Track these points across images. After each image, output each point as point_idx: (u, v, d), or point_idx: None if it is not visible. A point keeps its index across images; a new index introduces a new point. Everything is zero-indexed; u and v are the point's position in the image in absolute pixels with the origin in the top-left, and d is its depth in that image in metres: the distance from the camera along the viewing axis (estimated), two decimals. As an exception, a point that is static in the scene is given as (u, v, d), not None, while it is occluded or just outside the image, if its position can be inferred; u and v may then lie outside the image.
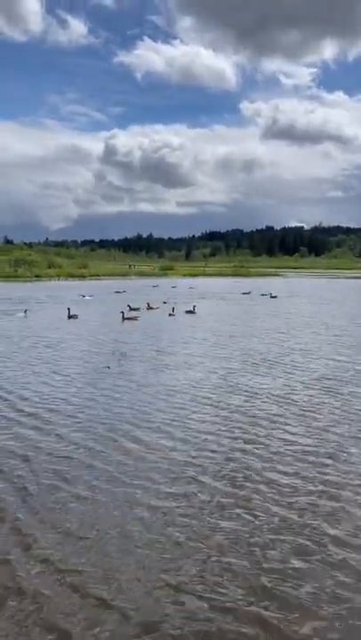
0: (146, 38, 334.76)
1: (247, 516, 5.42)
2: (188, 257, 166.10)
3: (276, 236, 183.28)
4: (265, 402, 9.85)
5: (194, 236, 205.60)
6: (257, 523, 5.30)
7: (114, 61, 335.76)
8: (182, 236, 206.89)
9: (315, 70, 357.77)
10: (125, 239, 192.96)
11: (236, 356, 14.41)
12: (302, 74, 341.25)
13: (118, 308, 24.28)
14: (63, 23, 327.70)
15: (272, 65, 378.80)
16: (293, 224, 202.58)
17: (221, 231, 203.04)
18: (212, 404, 9.63)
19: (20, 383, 11.12)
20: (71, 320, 22.27)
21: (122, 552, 4.77)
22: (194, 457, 7.03)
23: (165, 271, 78.72)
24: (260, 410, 9.31)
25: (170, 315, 24.38)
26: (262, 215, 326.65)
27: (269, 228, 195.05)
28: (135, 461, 6.86)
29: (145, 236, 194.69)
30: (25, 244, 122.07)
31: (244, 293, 40.61)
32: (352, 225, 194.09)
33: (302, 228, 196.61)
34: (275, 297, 36.75)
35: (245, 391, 10.64)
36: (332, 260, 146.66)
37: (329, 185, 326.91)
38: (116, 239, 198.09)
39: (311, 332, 19.55)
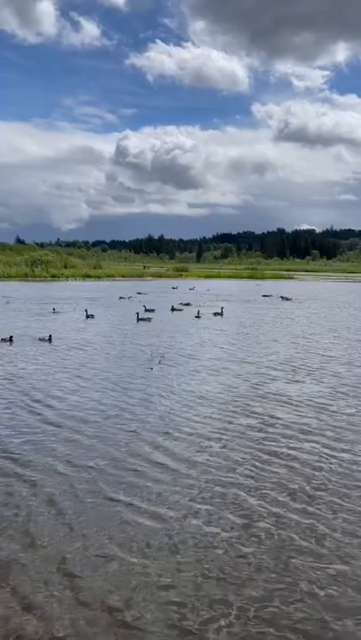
0: (158, 41, 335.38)
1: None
2: (199, 258, 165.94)
3: (288, 238, 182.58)
4: (309, 412, 9.67)
5: (205, 237, 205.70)
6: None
7: (126, 63, 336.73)
8: (193, 237, 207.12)
9: (327, 73, 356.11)
10: (137, 240, 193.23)
11: (272, 361, 14.27)
12: (315, 76, 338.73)
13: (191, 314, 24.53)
14: (76, 25, 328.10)
15: (284, 67, 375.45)
16: (304, 227, 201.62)
17: (233, 233, 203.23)
18: (253, 415, 9.45)
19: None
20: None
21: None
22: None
23: (180, 272, 78.57)
24: (310, 427, 9.01)
25: (196, 317, 24.30)
26: (273, 217, 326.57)
27: (281, 231, 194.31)
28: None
29: (156, 237, 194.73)
30: (37, 244, 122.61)
31: (264, 296, 40.45)
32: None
33: (314, 230, 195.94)
34: (289, 299, 37.06)
35: (287, 402, 10.47)
36: (344, 263, 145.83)
37: (340, 188, 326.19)
38: (127, 240, 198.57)
39: (335, 335, 19.35)
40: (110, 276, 66.67)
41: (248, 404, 9.89)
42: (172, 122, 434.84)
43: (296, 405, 9.88)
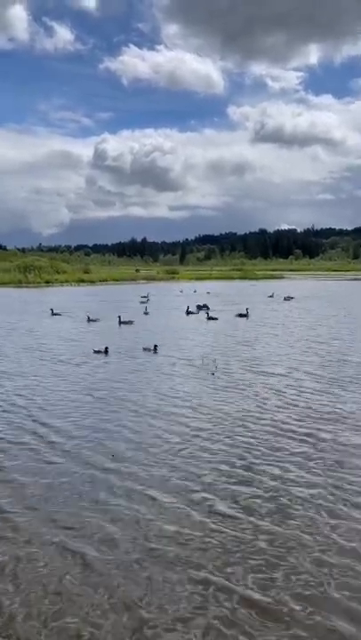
0: (131, 45, 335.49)
1: None
2: (182, 261, 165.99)
3: (270, 238, 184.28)
4: None
5: (187, 239, 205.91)
6: None
7: (100, 67, 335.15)
8: (175, 239, 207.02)
9: (301, 74, 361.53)
10: (119, 243, 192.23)
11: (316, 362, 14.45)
12: (289, 77, 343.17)
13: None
14: (49, 30, 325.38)
15: (259, 69, 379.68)
16: (285, 226, 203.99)
17: (215, 234, 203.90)
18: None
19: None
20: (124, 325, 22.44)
21: None
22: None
23: (172, 275, 78.49)
24: None
25: (209, 318, 24.48)
26: (254, 218, 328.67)
27: (262, 231, 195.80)
28: None
29: (138, 240, 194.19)
30: (18, 249, 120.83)
31: (269, 297, 40.80)
32: (343, 227, 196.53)
33: (295, 230, 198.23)
34: (292, 298, 37.62)
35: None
36: (327, 261, 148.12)
37: (318, 187, 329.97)
38: (109, 244, 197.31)
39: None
40: (103, 280, 66.27)
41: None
42: (150, 125, 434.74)
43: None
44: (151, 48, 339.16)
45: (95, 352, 15.66)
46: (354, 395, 10.65)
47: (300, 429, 8.44)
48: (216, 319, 24.48)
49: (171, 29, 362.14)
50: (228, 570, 4.66)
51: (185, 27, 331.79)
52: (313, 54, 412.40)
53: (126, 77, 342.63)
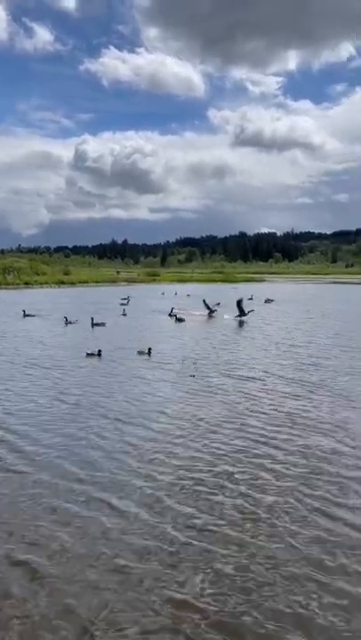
0: (112, 47, 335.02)
1: None
2: (163, 263, 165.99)
3: (250, 241, 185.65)
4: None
5: (168, 242, 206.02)
6: None
7: (80, 69, 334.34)
8: (156, 242, 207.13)
9: (281, 79, 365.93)
10: (100, 245, 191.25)
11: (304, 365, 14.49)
12: (269, 82, 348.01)
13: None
14: (29, 31, 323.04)
15: (239, 73, 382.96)
16: (264, 230, 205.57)
17: (195, 237, 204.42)
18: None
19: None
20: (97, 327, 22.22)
21: None
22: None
23: (153, 277, 78.35)
24: None
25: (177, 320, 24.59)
26: (233, 221, 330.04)
27: (242, 234, 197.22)
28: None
29: (119, 242, 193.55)
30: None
31: (249, 299, 40.92)
32: (322, 231, 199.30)
33: (275, 234, 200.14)
34: (272, 301, 37.83)
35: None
36: (306, 265, 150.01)
37: (297, 191, 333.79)
38: (89, 245, 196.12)
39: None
40: (84, 282, 65.71)
41: None
42: (131, 127, 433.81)
43: None
44: (132, 50, 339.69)
45: (88, 355, 15.32)
46: (323, 399, 10.65)
47: (272, 434, 8.37)
48: (183, 320, 24.64)
49: (151, 32, 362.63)
50: (190, 582, 4.53)
51: (165, 30, 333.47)
52: (292, 60, 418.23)
53: (107, 79, 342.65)
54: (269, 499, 6.10)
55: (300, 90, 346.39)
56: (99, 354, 15.24)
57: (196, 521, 5.57)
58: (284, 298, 43.91)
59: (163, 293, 48.19)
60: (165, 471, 6.87)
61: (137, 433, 8.43)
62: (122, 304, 34.31)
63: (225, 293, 50.60)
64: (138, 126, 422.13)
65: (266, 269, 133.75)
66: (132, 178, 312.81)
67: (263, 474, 6.81)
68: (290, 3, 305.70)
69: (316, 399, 10.63)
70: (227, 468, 7.01)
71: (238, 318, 25.17)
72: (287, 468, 6.99)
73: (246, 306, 26.20)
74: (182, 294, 47.14)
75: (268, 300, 38.64)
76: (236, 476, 6.75)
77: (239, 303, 25.55)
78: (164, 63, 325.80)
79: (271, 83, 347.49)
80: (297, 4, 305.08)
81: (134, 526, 5.45)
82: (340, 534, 5.31)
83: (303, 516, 5.69)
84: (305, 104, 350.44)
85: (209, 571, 4.70)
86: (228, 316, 26.06)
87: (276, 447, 7.80)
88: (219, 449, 7.71)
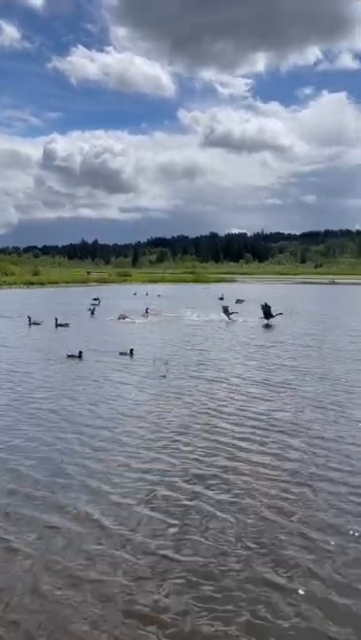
0: (80, 45, 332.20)
1: None
2: (135, 263, 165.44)
3: (221, 242, 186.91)
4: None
5: (139, 242, 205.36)
6: None
7: (48, 66, 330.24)
8: (126, 242, 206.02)
9: (250, 81, 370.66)
10: (70, 245, 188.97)
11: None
12: (238, 84, 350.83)
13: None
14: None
15: (208, 74, 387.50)
16: (234, 230, 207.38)
17: (167, 237, 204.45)
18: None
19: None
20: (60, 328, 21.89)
21: None
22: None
23: (124, 277, 77.96)
24: None
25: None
26: (204, 221, 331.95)
27: (213, 235, 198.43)
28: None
29: (89, 242, 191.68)
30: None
31: (219, 299, 41.19)
32: (291, 231, 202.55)
33: (245, 234, 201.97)
34: (242, 301, 38.24)
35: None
36: (276, 265, 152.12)
37: (267, 192, 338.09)
38: (59, 245, 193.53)
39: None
40: (54, 283, 64.81)
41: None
42: (100, 126, 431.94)
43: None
44: (100, 49, 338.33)
45: (68, 356, 15.07)
46: (286, 399, 10.73)
47: (240, 435, 8.38)
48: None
49: (119, 32, 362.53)
50: (153, 597, 4.46)
51: (134, 30, 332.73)
52: (260, 62, 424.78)
53: (75, 77, 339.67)
54: (236, 500, 6.08)
55: (268, 92, 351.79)
56: (79, 355, 15.03)
57: (159, 524, 5.50)
58: (253, 297, 44.23)
59: (135, 294, 48.12)
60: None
61: (102, 435, 8.30)
62: (93, 304, 33.98)
63: (195, 293, 50.84)
64: (107, 125, 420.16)
65: (237, 270, 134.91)
66: (101, 177, 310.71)
67: (229, 475, 6.79)
68: (257, 5, 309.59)
69: (276, 399, 10.71)
70: (195, 470, 6.96)
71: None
72: (251, 467, 6.99)
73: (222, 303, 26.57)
74: (153, 295, 47.03)
75: (238, 301, 38.87)
76: (204, 476, 6.71)
77: (226, 309, 26.62)
78: (133, 62, 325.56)
79: (240, 84, 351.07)
80: (265, 7, 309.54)
81: (94, 531, 5.34)
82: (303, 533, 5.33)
83: (265, 516, 5.68)
84: (274, 106, 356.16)
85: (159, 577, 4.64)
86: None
87: (242, 449, 7.80)
88: (188, 451, 7.65)
